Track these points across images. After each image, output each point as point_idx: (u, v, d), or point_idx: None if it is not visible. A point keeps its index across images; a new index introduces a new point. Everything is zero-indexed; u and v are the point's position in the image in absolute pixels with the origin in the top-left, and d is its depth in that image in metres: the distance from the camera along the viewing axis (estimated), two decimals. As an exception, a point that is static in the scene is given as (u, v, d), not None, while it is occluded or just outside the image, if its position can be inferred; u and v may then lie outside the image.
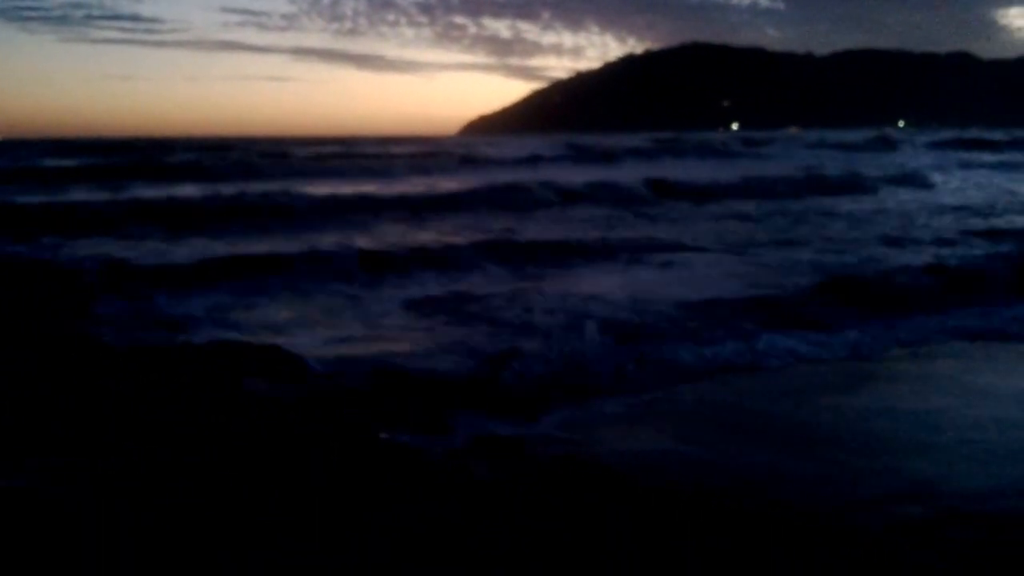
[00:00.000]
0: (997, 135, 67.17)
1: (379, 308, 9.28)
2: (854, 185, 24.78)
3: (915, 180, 27.08)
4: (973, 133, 78.80)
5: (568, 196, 20.94)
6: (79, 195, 19.85)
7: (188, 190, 20.66)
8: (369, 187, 21.62)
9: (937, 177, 28.53)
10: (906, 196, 22.86)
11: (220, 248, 13.09)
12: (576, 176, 24.79)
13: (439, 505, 4.32)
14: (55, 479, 4.63)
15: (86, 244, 13.37)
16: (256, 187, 19.84)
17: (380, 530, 4.05)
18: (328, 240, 13.61)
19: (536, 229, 15.68)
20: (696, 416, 5.93)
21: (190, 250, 12.93)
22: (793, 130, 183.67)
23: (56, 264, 11.52)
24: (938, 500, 4.40)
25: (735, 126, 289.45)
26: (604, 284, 10.42)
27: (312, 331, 8.18)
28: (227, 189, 20.39)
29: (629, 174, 25.27)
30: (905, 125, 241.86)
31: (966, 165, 35.97)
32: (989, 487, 4.61)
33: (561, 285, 10.38)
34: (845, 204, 20.58)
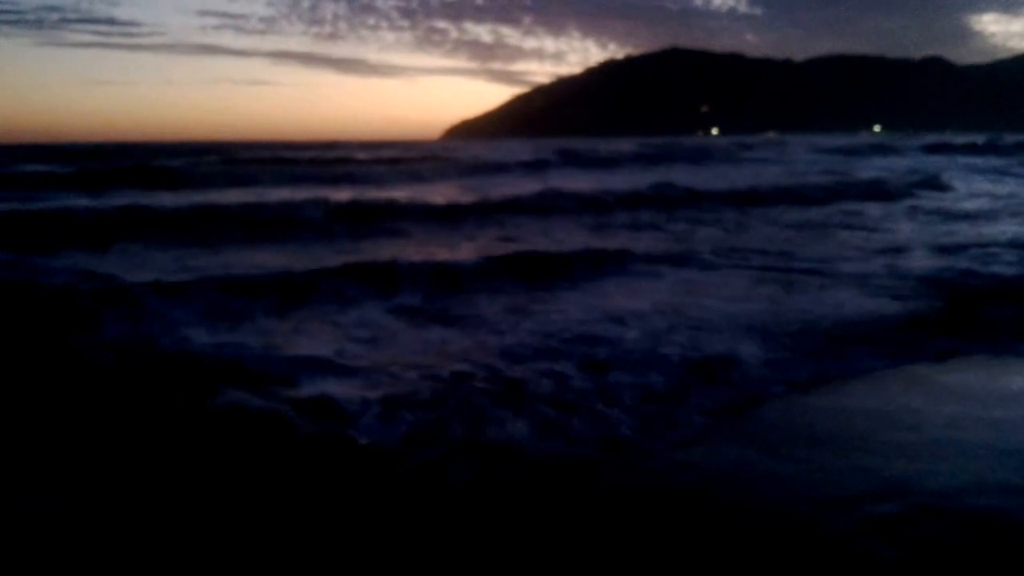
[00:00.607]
0: (980, 139, 67.78)
1: (404, 331, 8.46)
2: (883, 190, 24.25)
3: (936, 184, 26.80)
4: (948, 137, 79.69)
5: (605, 204, 20.21)
6: (62, 202, 18.79)
7: (178, 198, 19.83)
8: (374, 194, 20.57)
9: (954, 181, 28.38)
10: (938, 201, 22.46)
11: (227, 260, 12.48)
12: (588, 183, 24.16)
13: (418, 510, 4.42)
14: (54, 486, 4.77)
15: (77, 255, 12.47)
16: (255, 194, 19.16)
17: (358, 537, 4.18)
18: (341, 251, 12.99)
19: (591, 237, 15.08)
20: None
21: (189, 262, 12.34)
22: (771, 135, 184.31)
23: (47, 279, 10.82)
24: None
25: (715, 131, 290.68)
26: (696, 298, 9.53)
27: (312, 345, 7.70)
28: (224, 196, 19.70)
29: (643, 179, 24.71)
30: (881, 129, 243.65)
31: (969, 169, 36.13)
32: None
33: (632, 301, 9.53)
34: (888, 209, 20.17)
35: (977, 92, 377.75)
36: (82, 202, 18.64)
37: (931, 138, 78.33)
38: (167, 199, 19.25)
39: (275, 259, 12.57)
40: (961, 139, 68.86)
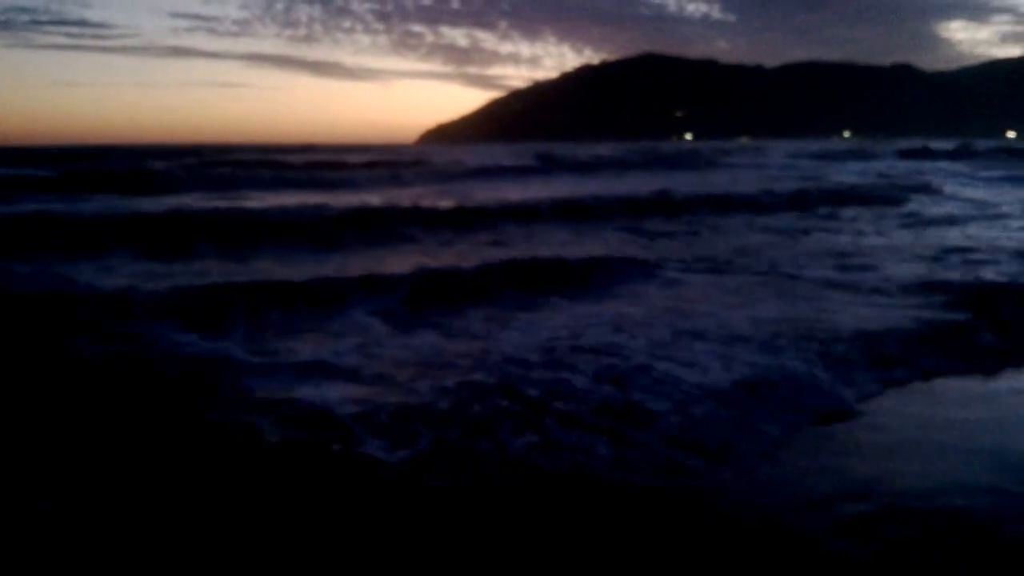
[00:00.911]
0: (951, 144, 68.67)
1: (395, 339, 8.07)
2: (881, 196, 24.16)
3: (928, 189, 26.86)
4: (918, 142, 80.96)
5: (600, 210, 19.87)
6: (39, 207, 18.05)
7: (158, 203, 19.26)
8: (361, 199, 20.04)
9: (943, 186, 28.54)
10: (936, 206, 22.48)
11: (213, 267, 11.95)
12: (579, 188, 23.87)
13: (394, 516, 4.34)
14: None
15: (55, 261, 11.86)
16: (238, 199, 18.66)
17: (332, 544, 4.10)
18: (336, 258, 12.66)
19: (590, 244, 14.74)
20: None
21: (173, 268, 11.91)
22: (744, 140, 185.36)
23: (25, 285, 10.31)
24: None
25: (688, 136, 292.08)
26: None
27: (308, 355, 7.36)
28: (205, 201, 19.22)
29: (634, 184, 24.55)
30: (851, 135, 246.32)
31: (951, 174, 36.47)
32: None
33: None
34: (890, 214, 20.16)
35: (944, 98, 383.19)
36: (59, 206, 18.08)
37: (903, 143, 79.26)
38: (147, 204, 18.74)
39: (262, 266, 12.21)
40: (932, 144, 69.82)
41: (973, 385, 6.70)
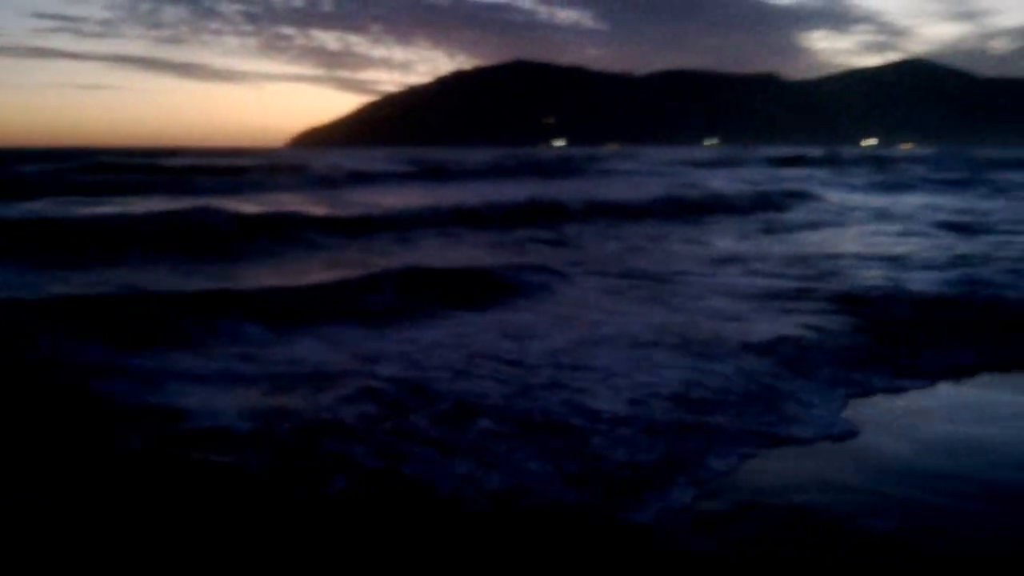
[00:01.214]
0: (817, 151, 71.57)
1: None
2: (762, 203, 24.83)
3: (805, 196, 27.78)
4: (783, 149, 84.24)
5: (516, 214, 20.24)
6: None
7: (17, 209, 18.18)
8: (258, 206, 19.14)
9: (820, 193, 29.63)
10: (818, 212, 23.49)
11: (79, 278, 11.31)
12: (460, 195, 23.58)
13: (260, 526, 4.24)
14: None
15: None
16: (104, 205, 17.75)
17: (197, 552, 4.01)
18: (217, 269, 12.15)
19: (482, 252, 14.63)
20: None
21: (51, 280, 11.23)
22: (613, 146, 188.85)
23: None
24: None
25: (560, 142, 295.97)
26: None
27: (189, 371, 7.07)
28: (65, 208, 18.24)
29: (513, 191, 24.43)
30: (718, 142, 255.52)
31: (822, 181, 37.92)
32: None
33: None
34: (777, 220, 20.91)
35: (806, 106, 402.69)
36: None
37: (769, 150, 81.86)
38: (13, 210, 17.62)
39: (138, 275, 11.54)
40: (801, 152, 72.51)
41: (885, 400, 6.50)
